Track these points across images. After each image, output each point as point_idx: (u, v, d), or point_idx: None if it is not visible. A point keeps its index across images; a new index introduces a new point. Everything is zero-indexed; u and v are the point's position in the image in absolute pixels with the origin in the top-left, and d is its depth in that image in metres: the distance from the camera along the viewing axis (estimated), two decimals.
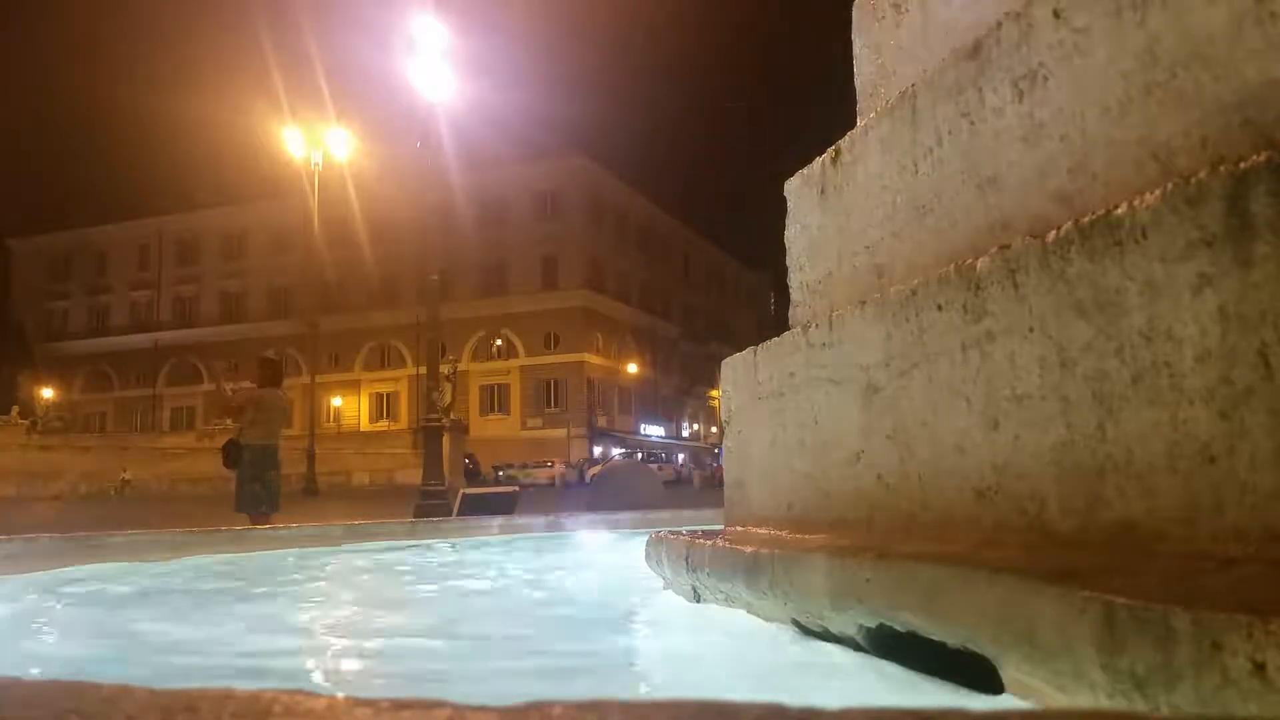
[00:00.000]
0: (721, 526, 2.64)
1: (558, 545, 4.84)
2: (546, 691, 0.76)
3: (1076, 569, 1.12)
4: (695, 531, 2.42)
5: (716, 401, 3.26)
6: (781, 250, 2.70)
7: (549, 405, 54.20)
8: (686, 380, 62.41)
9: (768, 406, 2.34)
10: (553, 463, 43.09)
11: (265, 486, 6.42)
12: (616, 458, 37.88)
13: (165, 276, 64.13)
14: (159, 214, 63.27)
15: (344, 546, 4.69)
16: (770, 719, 0.53)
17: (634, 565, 2.80)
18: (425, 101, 14.43)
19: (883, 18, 2.59)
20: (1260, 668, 0.79)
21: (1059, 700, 1.06)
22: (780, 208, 2.71)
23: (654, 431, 60.23)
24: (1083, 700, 1.01)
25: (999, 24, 1.77)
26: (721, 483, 2.75)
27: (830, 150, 2.45)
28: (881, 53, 2.61)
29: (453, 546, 4.83)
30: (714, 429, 55.31)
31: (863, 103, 2.67)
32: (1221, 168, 1.13)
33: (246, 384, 6.75)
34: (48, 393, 59.61)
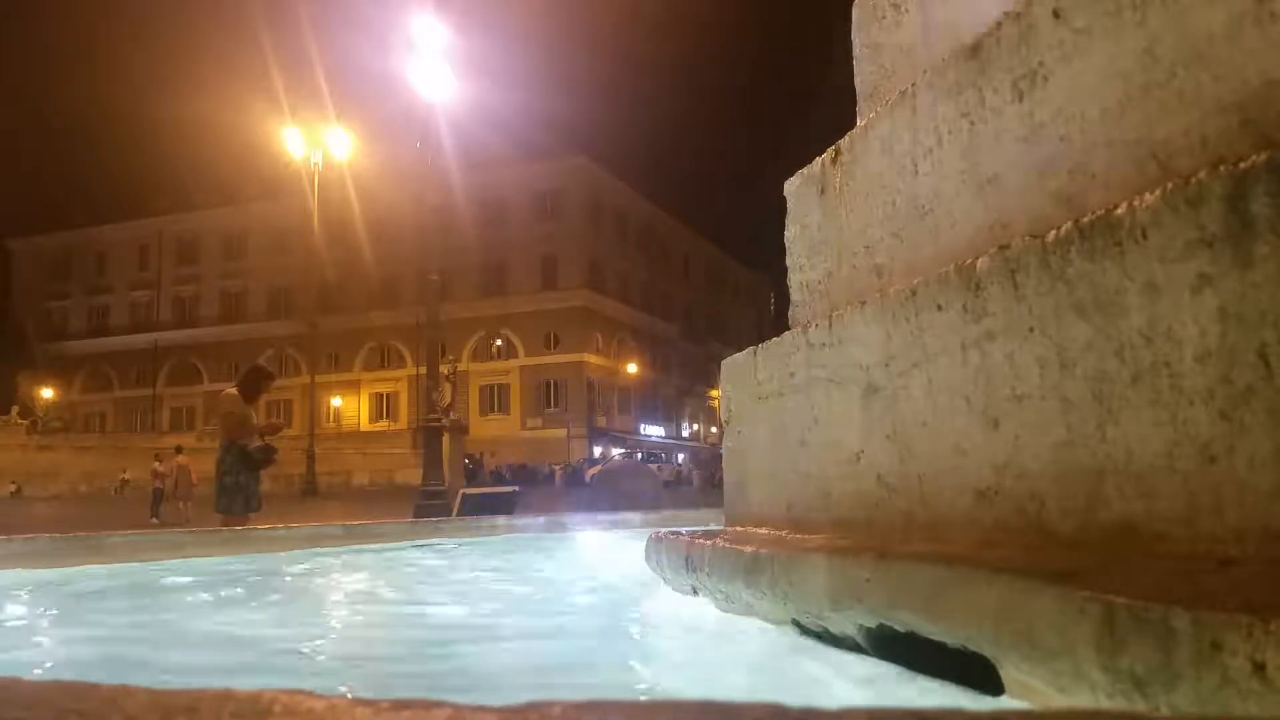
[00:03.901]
0: (721, 526, 2.63)
1: (557, 545, 4.83)
2: (545, 691, 0.76)
3: (1076, 569, 1.12)
4: (695, 532, 2.42)
5: (716, 401, 3.25)
6: (781, 250, 2.70)
7: (549, 405, 54.16)
8: (686, 380, 62.39)
9: (768, 406, 2.34)
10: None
11: (239, 487, 6.44)
12: (616, 458, 37.86)
13: (165, 277, 64.07)
14: (159, 214, 63.20)
15: (345, 547, 4.69)
16: (770, 719, 0.53)
17: (633, 565, 2.80)
18: (425, 101, 14.44)
19: (883, 18, 2.59)
20: (1260, 668, 0.79)
21: (1059, 700, 1.06)
22: (780, 208, 2.71)
23: (654, 431, 60.21)
24: (1083, 700, 1.01)
25: (999, 24, 1.77)
26: (721, 483, 2.75)
27: (830, 150, 2.45)
28: (881, 53, 2.61)
29: (458, 545, 4.83)
30: (714, 429, 55.29)
31: (863, 103, 2.67)
32: (1221, 168, 1.13)
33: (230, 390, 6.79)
34: (48, 393, 59.58)
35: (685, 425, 64.82)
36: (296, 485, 29.35)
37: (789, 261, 2.68)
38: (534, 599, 2.96)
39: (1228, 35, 1.29)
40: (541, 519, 5.94)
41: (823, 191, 2.48)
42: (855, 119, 2.56)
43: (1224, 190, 1.11)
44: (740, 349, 2.56)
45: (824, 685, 1.47)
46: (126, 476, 36.51)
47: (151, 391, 62.69)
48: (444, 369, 18.00)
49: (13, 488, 34.23)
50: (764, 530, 2.29)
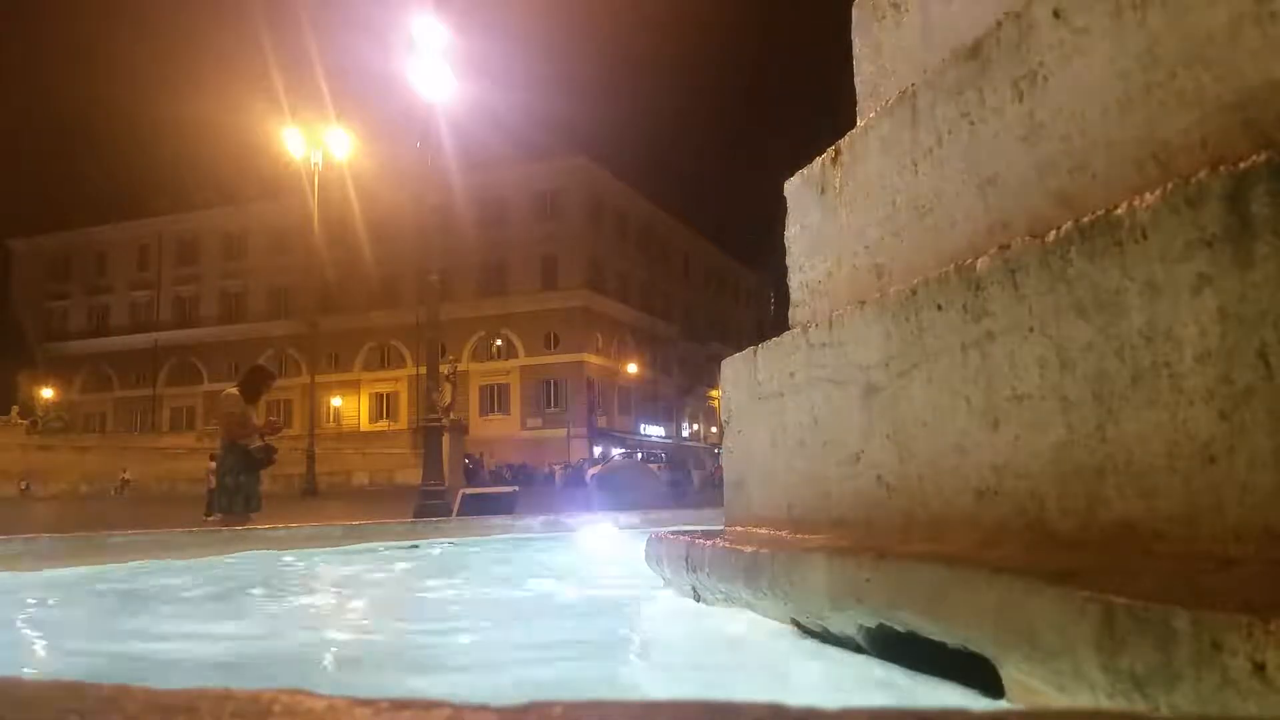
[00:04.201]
0: (721, 526, 2.63)
1: (556, 545, 4.83)
2: (545, 693, 0.76)
3: (1076, 569, 1.12)
4: (695, 531, 2.42)
5: (716, 401, 3.25)
6: (781, 250, 2.70)
7: (549, 405, 54.16)
8: (686, 380, 62.38)
9: (768, 406, 2.34)
10: None
11: (239, 487, 6.44)
12: (616, 458, 37.85)
13: (165, 276, 64.06)
14: (159, 214, 63.20)
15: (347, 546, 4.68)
16: (770, 719, 0.53)
17: (633, 565, 2.80)
18: (425, 101, 14.45)
19: (883, 18, 2.59)
20: (1260, 668, 0.79)
21: (1059, 700, 1.06)
22: (780, 208, 2.71)
23: (654, 431, 60.20)
24: (1083, 700, 1.01)
25: (999, 24, 1.77)
26: (721, 482, 2.75)
27: (830, 150, 2.45)
28: (881, 53, 2.61)
29: (451, 544, 4.83)
30: (714, 429, 55.28)
31: (863, 103, 2.67)
32: (1221, 168, 1.13)
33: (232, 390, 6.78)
34: (48, 393, 59.61)
35: (685, 425, 64.81)
36: (296, 485, 29.37)
37: (789, 261, 2.68)
38: (533, 597, 2.96)
39: (1228, 35, 1.29)
40: (541, 519, 5.93)
41: (823, 191, 2.48)
42: (855, 119, 2.56)
43: (1224, 190, 1.11)
44: (740, 349, 2.56)
45: (824, 685, 1.47)
46: (126, 476, 36.55)
47: (151, 391, 62.68)
48: (444, 369, 18.03)
49: (23, 485, 34.45)
50: (764, 530, 2.29)
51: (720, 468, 3.08)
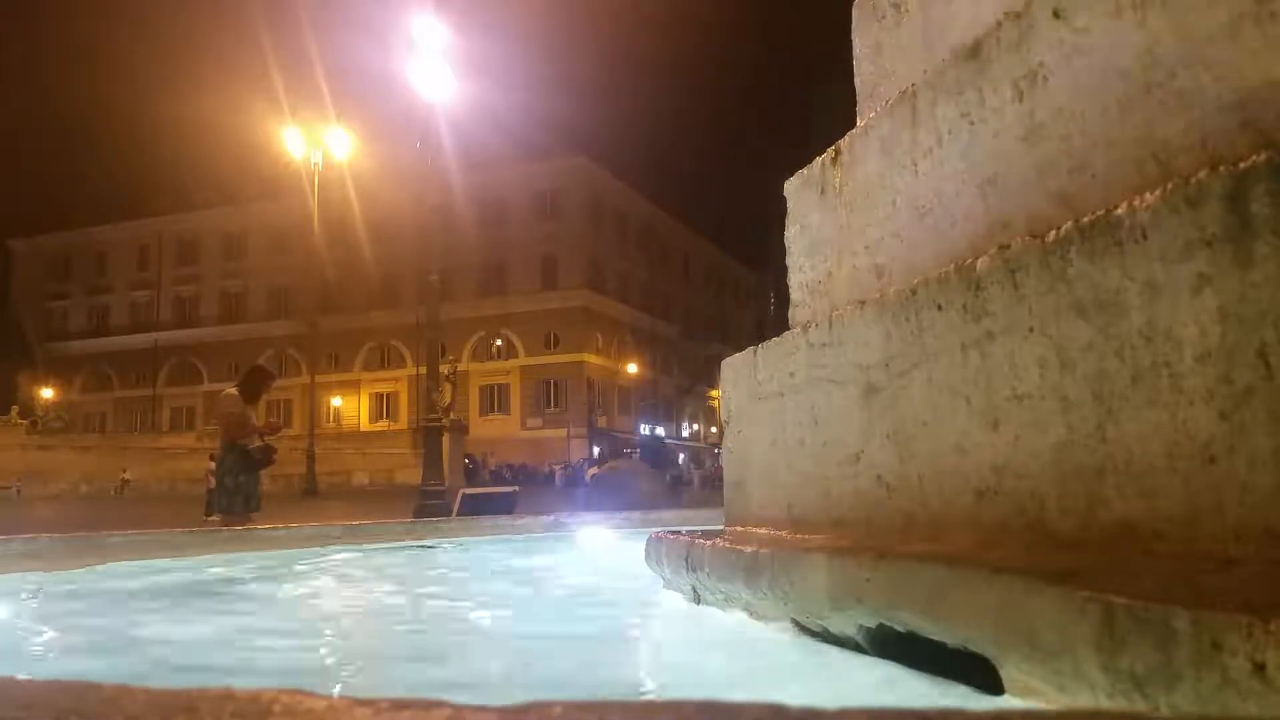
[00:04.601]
0: (721, 526, 2.63)
1: (556, 544, 4.83)
2: (544, 691, 0.76)
3: (1076, 569, 1.12)
4: (695, 531, 2.42)
5: (716, 401, 3.25)
6: (781, 250, 2.70)
7: (549, 405, 54.17)
8: (686, 380, 62.37)
9: (768, 406, 2.34)
10: None
11: (239, 488, 6.44)
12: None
13: (165, 276, 64.07)
14: (159, 214, 63.23)
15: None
16: (770, 719, 0.53)
17: (633, 565, 2.80)
18: (425, 101, 14.46)
19: (883, 18, 2.59)
20: (1260, 668, 0.79)
21: (1059, 700, 1.06)
22: (780, 208, 2.71)
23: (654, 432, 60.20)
24: (1083, 700, 1.01)
25: (999, 24, 1.77)
26: (721, 482, 2.75)
27: (830, 150, 2.46)
28: (881, 53, 2.61)
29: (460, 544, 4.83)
30: (714, 429, 55.27)
31: (863, 103, 2.67)
32: (1221, 168, 1.13)
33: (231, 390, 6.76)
34: (48, 393, 59.64)
35: (685, 425, 64.81)
36: (296, 485, 29.40)
37: (789, 261, 2.68)
38: (532, 598, 2.96)
39: (1228, 35, 1.29)
40: (542, 519, 5.93)
41: (823, 191, 2.48)
42: (855, 119, 2.56)
43: (1224, 190, 1.11)
44: (740, 349, 2.56)
45: (823, 685, 1.47)
46: (126, 476, 36.60)
47: (151, 391, 62.69)
48: (444, 369, 18.04)
49: (13, 487, 34.47)
50: (764, 530, 2.29)
51: (720, 467, 3.08)
